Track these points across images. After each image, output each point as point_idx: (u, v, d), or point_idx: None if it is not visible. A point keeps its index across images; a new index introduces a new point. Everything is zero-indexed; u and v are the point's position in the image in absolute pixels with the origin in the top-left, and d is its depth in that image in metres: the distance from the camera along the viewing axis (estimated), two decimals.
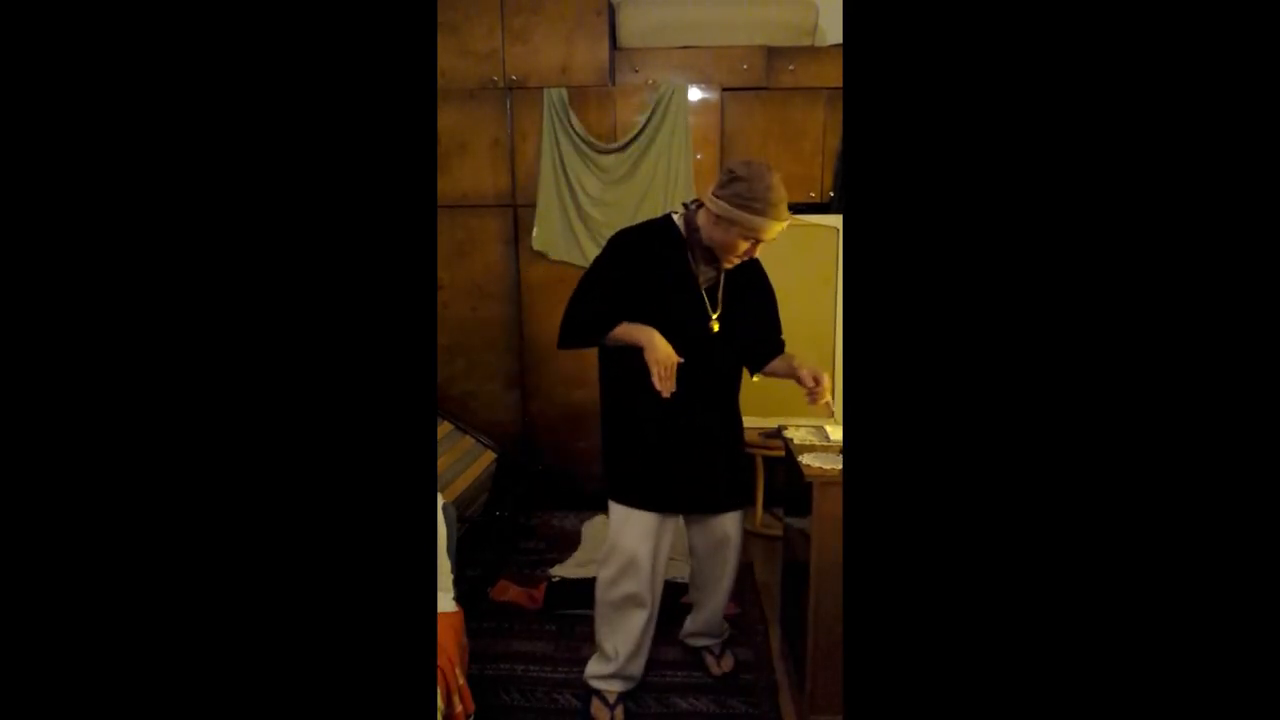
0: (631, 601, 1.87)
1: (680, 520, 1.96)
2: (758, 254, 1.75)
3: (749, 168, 1.65)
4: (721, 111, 2.99)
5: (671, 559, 2.00)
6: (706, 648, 2.15)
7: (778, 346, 1.96)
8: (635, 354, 1.73)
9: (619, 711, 1.92)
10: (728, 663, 2.13)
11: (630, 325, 1.75)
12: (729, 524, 1.96)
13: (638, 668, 1.95)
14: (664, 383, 1.69)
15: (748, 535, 3.01)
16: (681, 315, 1.77)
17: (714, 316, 1.80)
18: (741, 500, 1.99)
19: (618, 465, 1.88)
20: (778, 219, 1.65)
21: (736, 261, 1.75)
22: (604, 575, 1.88)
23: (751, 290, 1.88)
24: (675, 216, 1.82)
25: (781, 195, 1.65)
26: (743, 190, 1.62)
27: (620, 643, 1.90)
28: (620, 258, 1.79)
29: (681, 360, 1.71)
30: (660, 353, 1.69)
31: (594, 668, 1.96)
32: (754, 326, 1.88)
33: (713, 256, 1.76)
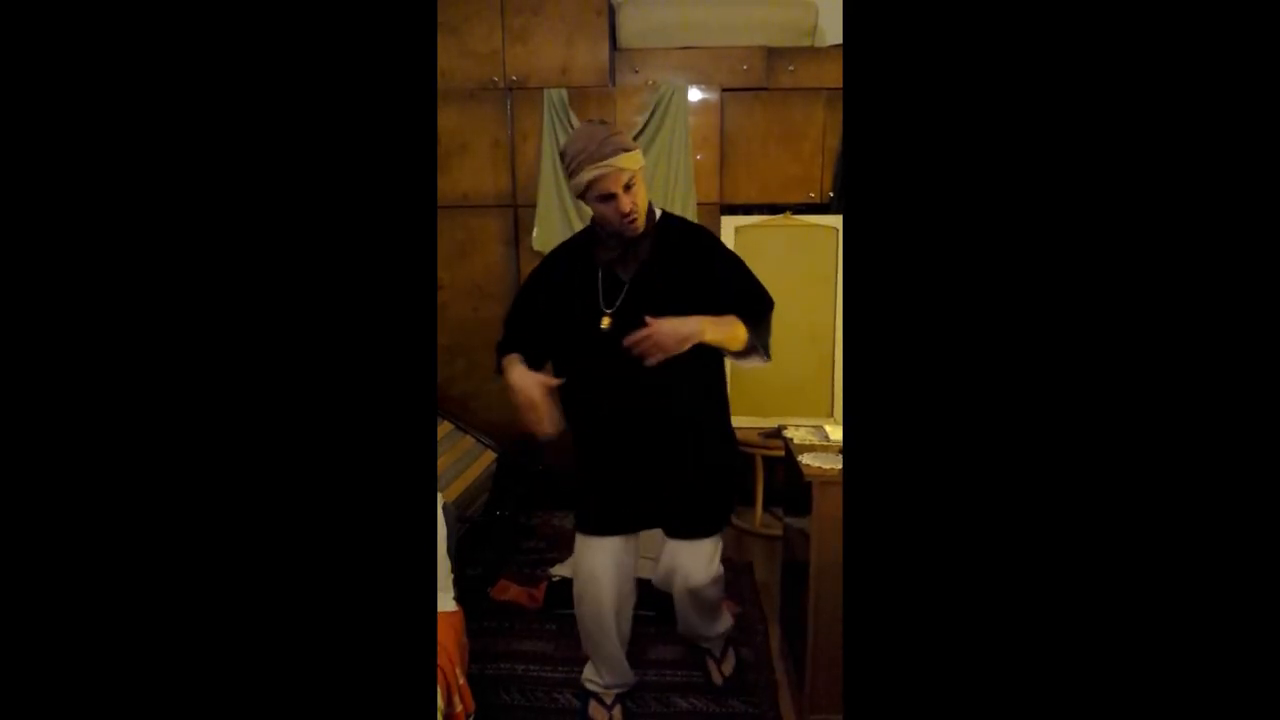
0: (595, 627, 1.82)
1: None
2: (640, 206, 1.56)
3: (567, 140, 1.56)
4: (721, 112, 3.00)
5: (648, 557, 1.93)
6: (707, 650, 2.09)
7: (736, 299, 1.63)
8: (569, 381, 1.63)
9: (617, 711, 1.92)
10: (729, 666, 2.08)
11: (507, 363, 1.64)
12: (685, 556, 1.72)
13: (626, 675, 1.94)
14: (533, 421, 1.56)
15: (747, 535, 3.02)
16: (576, 318, 1.63)
17: (606, 313, 1.60)
18: (703, 526, 1.71)
19: (580, 492, 1.78)
20: (599, 159, 1.49)
21: (627, 226, 1.56)
22: (574, 593, 1.84)
23: (691, 265, 1.64)
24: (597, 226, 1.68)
25: (597, 133, 1.51)
26: (566, 164, 1.56)
27: (599, 660, 1.91)
28: (528, 282, 1.77)
29: (556, 382, 1.58)
30: (515, 387, 1.56)
31: (589, 673, 1.97)
32: (680, 306, 1.55)
33: (621, 246, 1.60)
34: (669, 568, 1.76)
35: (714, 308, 1.59)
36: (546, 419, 1.56)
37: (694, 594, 1.77)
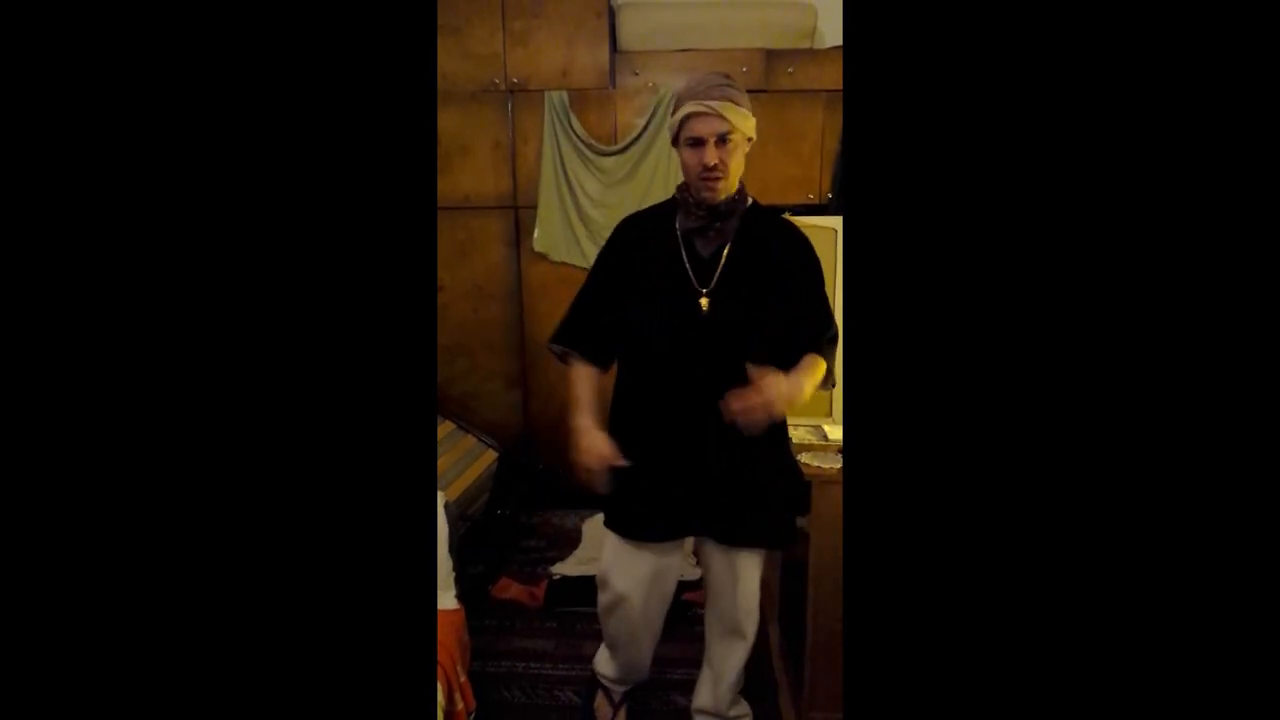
0: (621, 638, 1.68)
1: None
2: (729, 165, 1.39)
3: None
4: None
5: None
6: None
7: (816, 340, 1.48)
8: (632, 359, 1.52)
9: (622, 712, 1.85)
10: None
11: (578, 391, 1.51)
12: (742, 570, 1.55)
13: (641, 674, 1.83)
14: (591, 479, 1.45)
15: None
16: (662, 295, 1.46)
17: (703, 293, 1.44)
18: (762, 536, 1.55)
19: (614, 491, 1.55)
20: (701, 99, 1.35)
21: (706, 183, 1.40)
22: (600, 600, 1.66)
23: (781, 263, 1.48)
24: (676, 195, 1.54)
25: (710, 78, 1.38)
26: (673, 102, 1.45)
27: (620, 660, 1.78)
28: (613, 243, 1.57)
29: (623, 463, 1.43)
30: (582, 447, 1.44)
31: (600, 663, 1.84)
32: (775, 308, 1.45)
33: (705, 217, 1.45)
34: (714, 579, 1.60)
35: (794, 316, 1.48)
36: (600, 454, 1.45)
37: (742, 596, 1.59)
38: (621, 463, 1.42)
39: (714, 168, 1.38)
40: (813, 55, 3.04)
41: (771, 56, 3.01)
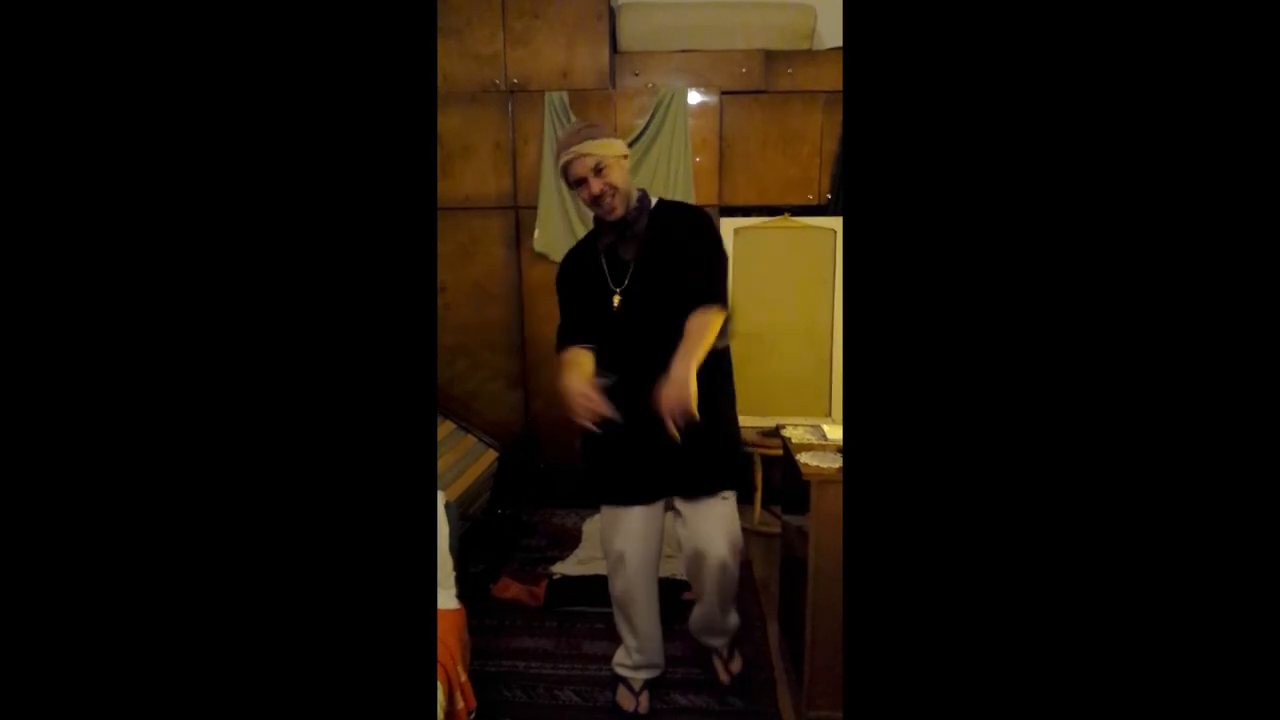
0: (628, 597, 1.89)
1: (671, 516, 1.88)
2: (618, 187, 1.67)
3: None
4: (720, 114, 3.02)
5: (668, 555, 1.98)
6: (715, 649, 2.07)
7: (699, 293, 1.66)
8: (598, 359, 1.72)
9: (644, 698, 1.96)
10: (736, 665, 2.08)
11: (570, 359, 1.70)
12: (703, 520, 1.78)
13: (657, 655, 1.97)
14: (583, 414, 1.59)
15: (746, 533, 3.03)
16: (592, 301, 1.76)
17: (616, 291, 1.73)
18: (716, 483, 1.79)
19: (589, 465, 1.86)
20: (572, 145, 1.65)
21: (601, 209, 1.69)
22: (608, 569, 1.93)
23: (679, 243, 1.73)
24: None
25: (572, 128, 1.70)
26: (557, 160, 1.73)
27: (630, 637, 1.95)
28: (558, 277, 1.87)
29: (605, 379, 1.63)
30: (567, 387, 1.62)
31: (619, 657, 2.00)
32: (677, 287, 1.67)
33: (616, 231, 1.74)
34: (692, 544, 1.80)
35: (691, 286, 1.67)
36: (597, 407, 1.58)
37: (721, 569, 1.80)
38: (611, 414, 1.58)
39: (601, 194, 1.67)
40: (812, 56, 3.05)
41: (771, 57, 3.02)
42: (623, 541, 1.83)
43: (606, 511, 1.86)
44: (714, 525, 1.78)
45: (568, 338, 1.79)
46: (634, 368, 1.66)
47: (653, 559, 1.89)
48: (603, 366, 1.69)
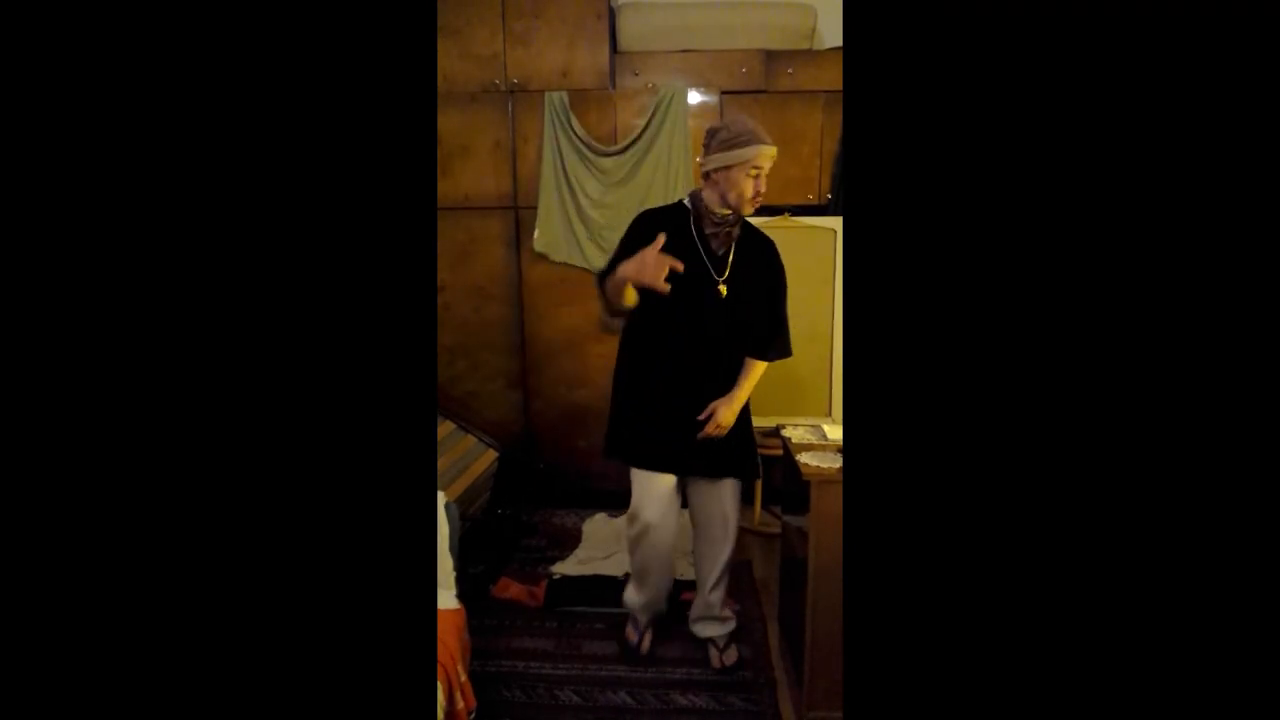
0: (650, 563, 2.07)
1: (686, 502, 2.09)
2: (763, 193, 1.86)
3: (723, 119, 1.83)
4: (720, 114, 3.01)
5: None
6: (711, 639, 2.18)
7: (775, 339, 1.99)
8: (652, 323, 1.92)
9: (648, 636, 2.20)
10: (730, 656, 2.16)
11: (620, 269, 1.81)
12: (726, 495, 2.04)
13: (662, 603, 2.19)
14: (652, 272, 1.73)
15: (747, 533, 3.04)
16: (689, 278, 1.83)
17: (721, 280, 1.92)
18: (740, 470, 2.05)
19: (626, 428, 2.02)
20: (766, 143, 1.81)
21: (751, 205, 1.87)
22: (629, 534, 2.08)
23: (763, 267, 1.98)
24: (685, 200, 1.99)
25: (758, 125, 1.85)
26: (726, 136, 1.84)
27: (646, 592, 2.14)
28: (636, 228, 1.95)
29: (673, 265, 1.75)
30: (642, 256, 1.75)
31: (629, 596, 2.19)
32: (761, 301, 1.96)
33: (719, 232, 1.90)
34: (703, 506, 2.06)
35: (767, 304, 1.98)
36: (660, 269, 1.73)
37: (719, 521, 2.05)
38: (677, 265, 1.74)
39: (756, 194, 1.87)
40: (812, 56, 3.05)
41: (771, 57, 3.02)
42: (651, 512, 2.00)
43: (639, 477, 2.01)
44: (722, 493, 2.02)
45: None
46: (716, 352, 1.95)
47: (673, 525, 2.05)
48: (661, 339, 1.94)
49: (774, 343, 1.99)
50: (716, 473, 2.02)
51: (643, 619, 2.21)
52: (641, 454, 1.99)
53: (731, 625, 2.19)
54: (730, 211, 1.88)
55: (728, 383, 1.96)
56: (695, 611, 2.20)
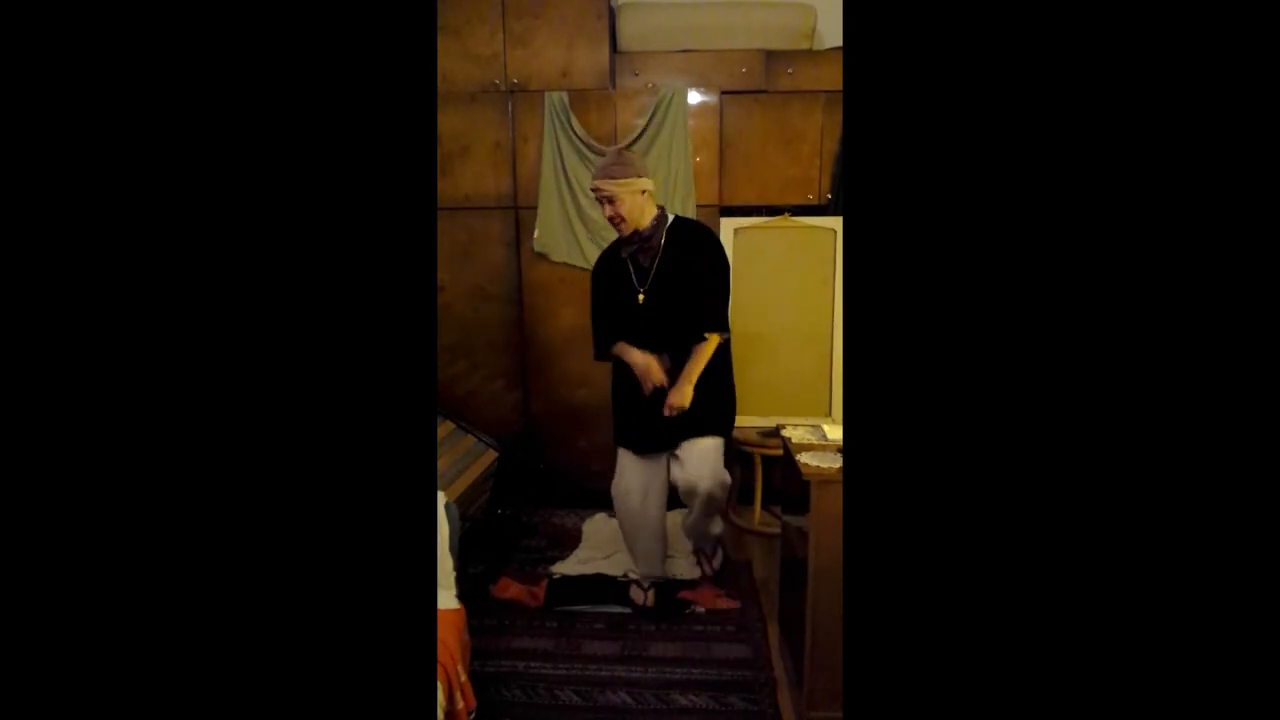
0: (630, 524, 2.49)
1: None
2: (626, 216, 2.23)
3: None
4: (720, 114, 3.01)
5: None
6: (702, 549, 2.65)
7: (707, 319, 2.28)
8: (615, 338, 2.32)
9: (650, 594, 2.45)
10: (717, 561, 2.66)
11: (622, 349, 2.31)
12: (699, 452, 2.35)
13: (657, 569, 2.52)
14: (645, 383, 2.26)
15: (747, 533, 3.04)
16: (620, 297, 2.33)
17: (640, 290, 2.31)
18: (702, 429, 2.36)
19: (619, 423, 2.49)
20: (601, 176, 2.22)
21: (620, 228, 2.27)
22: (614, 496, 2.50)
23: (690, 259, 2.29)
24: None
25: (606, 161, 2.26)
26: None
27: (635, 551, 2.52)
28: (595, 279, 2.44)
29: (665, 361, 2.27)
30: (639, 366, 2.27)
31: (627, 564, 2.58)
32: (685, 294, 2.28)
33: (637, 242, 2.29)
34: (685, 478, 2.37)
35: (697, 296, 2.28)
36: (660, 376, 2.25)
37: (708, 499, 2.38)
38: (665, 383, 2.26)
39: (611, 217, 2.27)
40: (812, 56, 3.05)
41: (771, 57, 3.02)
42: (628, 480, 2.46)
43: (624, 456, 2.47)
44: (699, 461, 2.35)
45: (607, 337, 2.37)
46: (653, 350, 2.29)
47: (657, 501, 2.47)
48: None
49: (706, 321, 2.28)
50: (690, 435, 2.36)
51: (645, 582, 2.49)
52: (631, 440, 2.44)
53: (717, 534, 2.61)
54: (624, 235, 2.28)
55: (675, 369, 2.29)
56: (688, 528, 2.58)
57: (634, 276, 2.31)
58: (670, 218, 2.35)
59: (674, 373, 2.29)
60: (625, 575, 2.55)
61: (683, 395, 2.25)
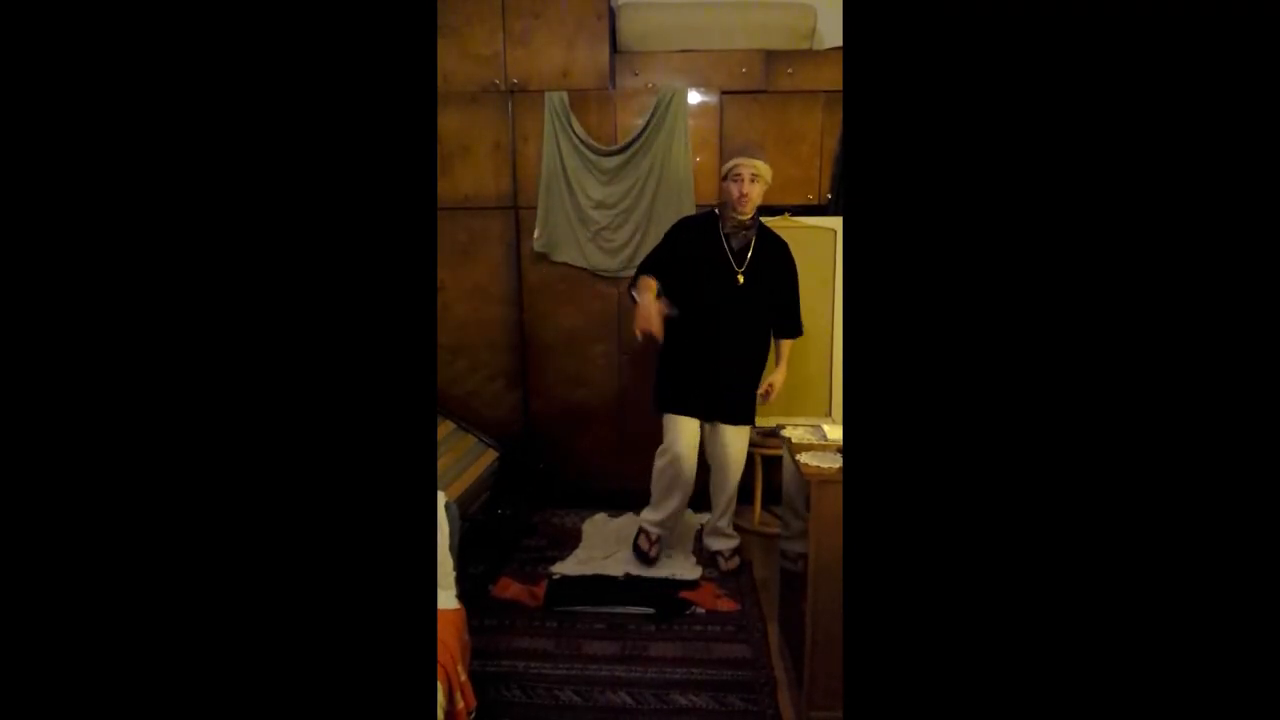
0: (675, 484, 2.63)
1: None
2: (751, 196, 2.42)
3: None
4: (720, 114, 3.02)
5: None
6: (719, 552, 2.73)
7: (792, 322, 2.62)
8: (687, 306, 2.48)
9: (657, 546, 2.69)
10: (734, 562, 2.73)
11: (644, 285, 2.46)
12: (739, 437, 2.62)
13: (675, 524, 2.74)
14: (644, 324, 2.39)
15: (746, 533, 3.04)
16: (712, 270, 2.49)
17: (739, 271, 2.49)
18: (749, 418, 2.63)
19: (667, 385, 2.62)
20: (744, 156, 2.38)
21: (743, 207, 2.42)
22: (658, 464, 2.66)
23: (778, 263, 2.56)
24: (715, 208, 2.59)
25: (739, 145, 2.46)
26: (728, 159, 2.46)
27: (664, 510, 2.67)
28: (669, 236, 2.60)
29: (670, 313, 2.44)
30: (644, 307, 2.41)
31: (647, 514, 2.72)
32: (775, 291, 2.55)
33: (735, 232, 2.50)
34: (720, 443, 2.62)
35: (781, 295, 2.58)
36: (653, 321, 2.39)
37: (734, 459, 2.64)
38: (658, 338, 2.43)
39: (745, 195, 2.41)
40: (812, 56, 3.05)
41: (771, 57, 3.02)
42: (680, 446, 2.60)
43: (672, 421, 2.62)
44: (737, 437, 2.61)
45: (649, 269, 2.53)
46: (735, 327, 2.52)
47: (694, 456, 2.63)
48: (695, 319, 2.49)
49: (790, 325, 2.61)
50: (735, 420, 2.60)
51: (654, 534, 2.69)
52: (679, 404, 2.59)
53: (735, 541, 2.75)
54: (740, 215, 2.44)
55: (745, 351, 2.54)
56: (708, 530, 2.77)
57: (731, 256, 2.49)
58: (759, 220, 2.58)
59: (724, 354, 2.51)
60: (641, 522, 2.72)
61: (782, 381, 2.60)
